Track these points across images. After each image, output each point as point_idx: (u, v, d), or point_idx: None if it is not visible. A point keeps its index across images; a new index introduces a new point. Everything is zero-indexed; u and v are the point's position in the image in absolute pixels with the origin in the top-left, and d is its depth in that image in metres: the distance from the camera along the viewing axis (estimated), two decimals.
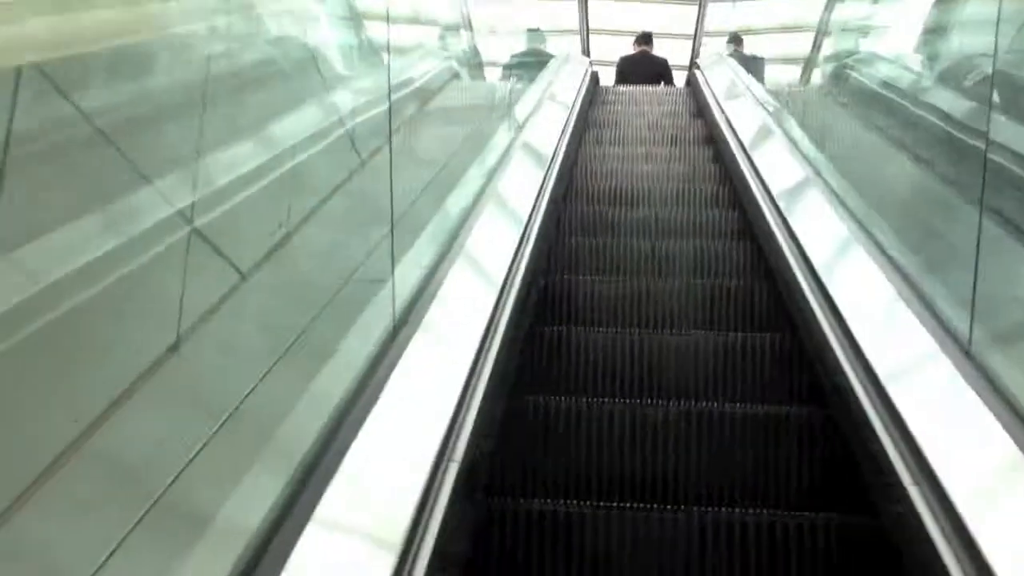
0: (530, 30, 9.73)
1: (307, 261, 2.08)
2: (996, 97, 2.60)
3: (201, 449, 1.41)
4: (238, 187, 1.80)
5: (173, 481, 1.33)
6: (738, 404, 2.82)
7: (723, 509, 2.36)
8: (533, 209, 3.97)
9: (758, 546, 2.22)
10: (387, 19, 3.06)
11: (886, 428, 2.16)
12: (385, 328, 2.31)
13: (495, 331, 2.72)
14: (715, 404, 2.87)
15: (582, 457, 2.63)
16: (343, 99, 2.66)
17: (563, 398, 2.82)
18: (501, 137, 4.95)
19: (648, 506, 2.46)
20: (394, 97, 3.16)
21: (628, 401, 2.90)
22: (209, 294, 1.59)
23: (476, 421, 2.23)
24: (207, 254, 1.66)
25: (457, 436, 2.10)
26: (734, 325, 3.57)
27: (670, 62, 10.16)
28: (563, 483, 2.58)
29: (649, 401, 2.92)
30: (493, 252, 3.25)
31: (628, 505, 2.44)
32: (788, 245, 3.64)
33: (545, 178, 4.51)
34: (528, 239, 3.63)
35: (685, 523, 2.25)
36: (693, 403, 2.87)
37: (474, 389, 2.35)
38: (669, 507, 2.41)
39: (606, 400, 2.88)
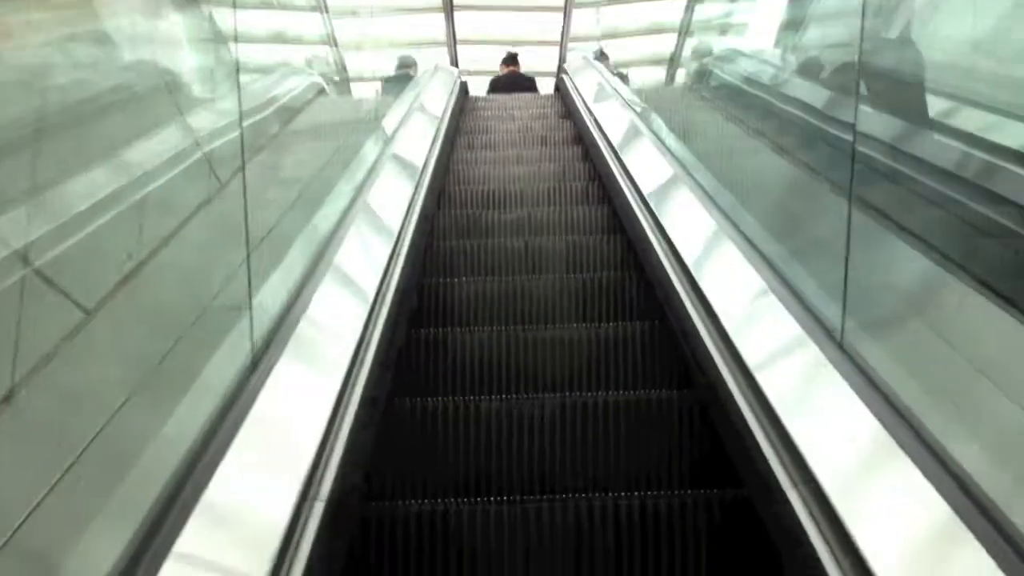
0: (401, 56, 9.73)
1: (158, 293, 1.95)
2: (855, 85, 2.62)
3: (33, 510, 1.32)
4: (82, 221, 1.68)
5: (5, 542, 1.26)
6: (610, 392, 2.87)
7: (598, 494, 2.39)
8: (404, 222, 3.92)
9: (637, 528, 2.26)
10: (235, 38, 2.92)
11: (764, 432, 2.17)
12: (244, 359, 2.18)
13: (364, 355, 2.64)
14: (590, 393, 2.91)
15: (460, 455, 2.64)
16: (199, 123, 2.54)
17: (441, 398, 2.83)
18: (369, 150, 4.88)
19: (527, 497, 2.48)
20: (258, 117, 3.09)
21: (506, 397, 2.92)
22: (49, 336, 1.49)
23: (344, 455, 2.12)
24: (48, 293, 1.57)
25: (323, 473, 2.01)
26: (607, 316, 3.64)
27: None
28: (443, 482, 2.59)
29: (526, 395, 2.94)
30: (361, 270, 3.17)
31: (508, 498, 2.46)
32: (656, 238, 3.73)
33: (416, 188, 4.49)
34: (399, 254, 3.56)
35: (562, 511, 2.27)
36: (568, 394, 2.91)
37: (341, 420, 2.25)
38: (547, 497, 2.43)
39: (484, 397, 2.90)
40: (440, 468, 2.62)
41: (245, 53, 2.95)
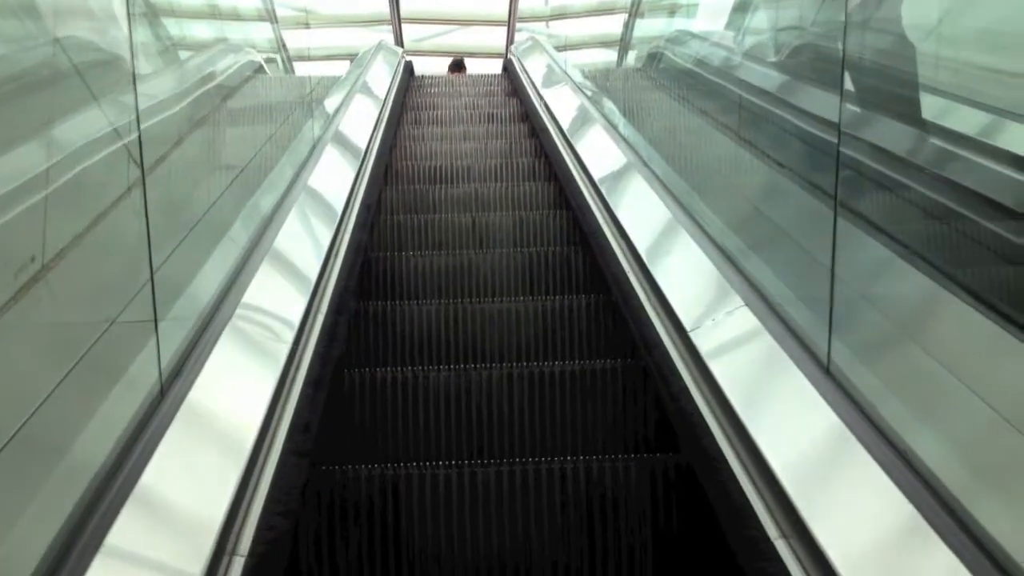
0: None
1: (51, 310, 1.64)
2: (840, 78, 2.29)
3: None
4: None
5: None
6: (556, 362, 2.93)
7: (544, 459, 2.45)
8: (343, 217, 3.76)
9: (583, 491, 2.31)
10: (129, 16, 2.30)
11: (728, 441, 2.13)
12: (150, 389, 1.92)
13: (293, 378, 2.48)
14: (537, 363, 2.96)
15: (410, 423, 2.68)
16: (113, 109, 2.05)
17: (390, 369, 2.86)
18: (308, 132, 4.65)
19: (476, 462, 2.52)
20: (186, 100, 2.76)
21: (454, 367, 2.96)
22: None
23: (266, 503, 1.92)
24: None
25: (241, 526, 1.82)
26: (553, 290, 3.70)
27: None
28: (393, 449, 2.63)
29: (474, 366, 2.99)
30: (293, 274, 2.97)
31: (456, 463, 2.50)
32: (601, 215, 3.79)
33: (358, 176, 4.40)
34: (337, 253, 3.40)
35: (508, 475, 2.32)
36: (515, 364, 2.96)
37: (264, 459, 2.07)
38: (495, 461, 2.48)
39: (432, 368, 2.94)
40: (390, 435, 2.66)
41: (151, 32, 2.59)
